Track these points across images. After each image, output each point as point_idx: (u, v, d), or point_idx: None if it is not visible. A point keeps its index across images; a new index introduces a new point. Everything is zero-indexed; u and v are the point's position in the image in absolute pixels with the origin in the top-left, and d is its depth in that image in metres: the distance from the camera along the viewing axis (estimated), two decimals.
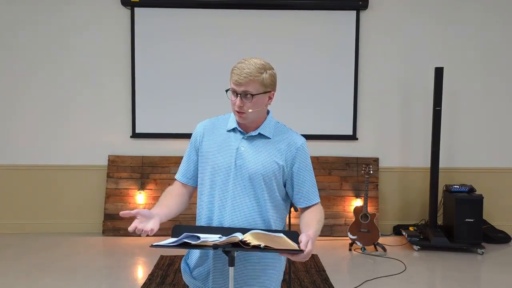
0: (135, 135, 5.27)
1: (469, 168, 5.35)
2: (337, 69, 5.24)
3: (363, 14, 5.22)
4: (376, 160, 5.30)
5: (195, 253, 1.89)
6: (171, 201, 1.88)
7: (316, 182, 1.92)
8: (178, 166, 1.99)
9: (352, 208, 4.92)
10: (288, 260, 3.26)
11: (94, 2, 5.16)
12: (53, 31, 5.16)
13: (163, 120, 5.24)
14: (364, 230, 4.64)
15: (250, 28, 5.17)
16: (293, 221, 3.27)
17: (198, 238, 1.59)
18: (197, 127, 1.96)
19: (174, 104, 5.21)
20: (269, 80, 1.78)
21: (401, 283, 3.88)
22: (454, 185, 4.94)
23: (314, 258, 4.40)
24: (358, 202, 5.11)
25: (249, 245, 1.55)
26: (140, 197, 5.17)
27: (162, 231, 1.69)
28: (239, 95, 1.75)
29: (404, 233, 4.96)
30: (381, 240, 4.71)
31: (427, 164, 4.98)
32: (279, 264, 1.91)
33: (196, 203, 1.93)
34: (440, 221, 5.06)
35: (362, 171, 4.72)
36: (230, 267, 1.63)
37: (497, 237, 5.02)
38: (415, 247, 4.74)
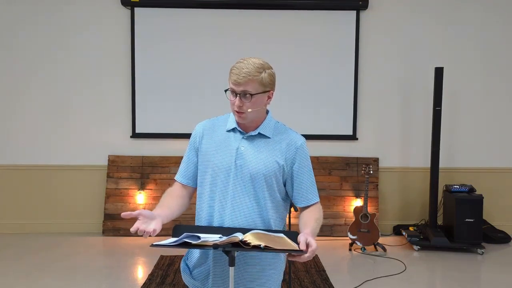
0: (135, 135, 5.27)
1: (469, 168, 5.35)
2: (337, 69, 5.24)
3: (363, 14, 5.22)
4: (376, 160, 5.30)
5: (195, 254, 1.89)
6: (172, 202, 1.87)
7: (315, 181, 1.93)
8: (178, 166, 1.99)
9: (352, 208, 4.92)
10: (288, 260, 3.26)
11: (94, 2, 5.16)
12: (53, 31, 5.16)
13: (163, 120, 5.24)
14: (364, 230, 4.64)
15: (250, 28, 5.18)
16: (293, 221, 3.27)
17: (199, 238, 1.58)
18: (196, 127, 1.95)
19: (174, 104, 5.21)
20: (268, 79, 1.78)
21: (401, 283, 3.88)
22: (454, 185, 4.94)
23: (314, 258, 4.39)
24: (358, 202, 5.11)
25: (249, 245, 1.55)
26: (140, 197, 5.17)
27: (162, 231, 1.69)
28: (238, 95, 1.75)
29: (404, 233, 4.96)
30: (381, 240, 4.71)
31: (427, 164, 4.98)
32: (279, 264, 1.91)
33: (195, 203, 1.93)
34: (440, 221, 5.06)
35: (362, 171, 4.72)
36: (230, 267, 1.63)
37: (497, 237, 5.02)
38: (415, 247, 4.74)
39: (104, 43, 5.20)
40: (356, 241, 4.66)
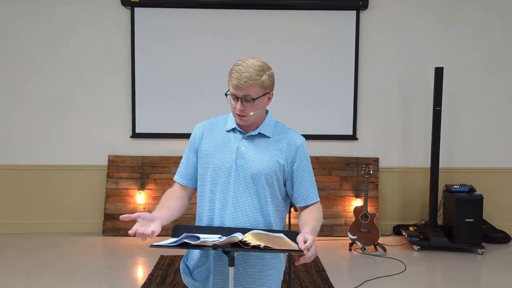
0: (135, 135, 5.27)
1: (469, 168, 5.35)
2: (337, 69, 5.24)
3: (363, 14, 5.22)
4: (376, 160, 5.30)
5: (195, 254, 1.89)
6: (172, 204, 1.86)
7: (315, 181, 1.92)
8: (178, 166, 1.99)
9: (352, 208, 4.92)
10: (288, 260, 3.26)
11: (94, 2, 5.16)
12: (53, 31, 5.16)
13: (163, 120, 5.24)
14: (364, 230, 4.64)
15: (250, 28, 5.17)
16: (293, 221, 3.27)
17: (198, 238, 1.58)
18: (195, 128, 1.95)
19: (174, 104, 5.21)
20: (269, 81, 1.77)
21: (401, 283, 3.88)
22: (454, 185, 4.94)
23: (314, 258, 4.39)
24: (358, 202, 5.11)
25: (249, 245, 1.55)
26: (140, 197, 5.17)
27: (162, 231, 1.69)
28: (239, 99, 1.74)
29: (404, 233, 4.95)
30: (381, 240, 4.71)
31: (427, 164, 4.98)
32: (279, 264, 1.91)
33: (195, 203, 1.93)
34: (440, 221, 5.06)
35: (362, 171, 4.72)
36: (230, 267, 1.62)
37: (497, 237, 5.02)
38: (415, 247, 4.74)
39: (104, 43, 5.20)
40: (356, 241, 4.66)
